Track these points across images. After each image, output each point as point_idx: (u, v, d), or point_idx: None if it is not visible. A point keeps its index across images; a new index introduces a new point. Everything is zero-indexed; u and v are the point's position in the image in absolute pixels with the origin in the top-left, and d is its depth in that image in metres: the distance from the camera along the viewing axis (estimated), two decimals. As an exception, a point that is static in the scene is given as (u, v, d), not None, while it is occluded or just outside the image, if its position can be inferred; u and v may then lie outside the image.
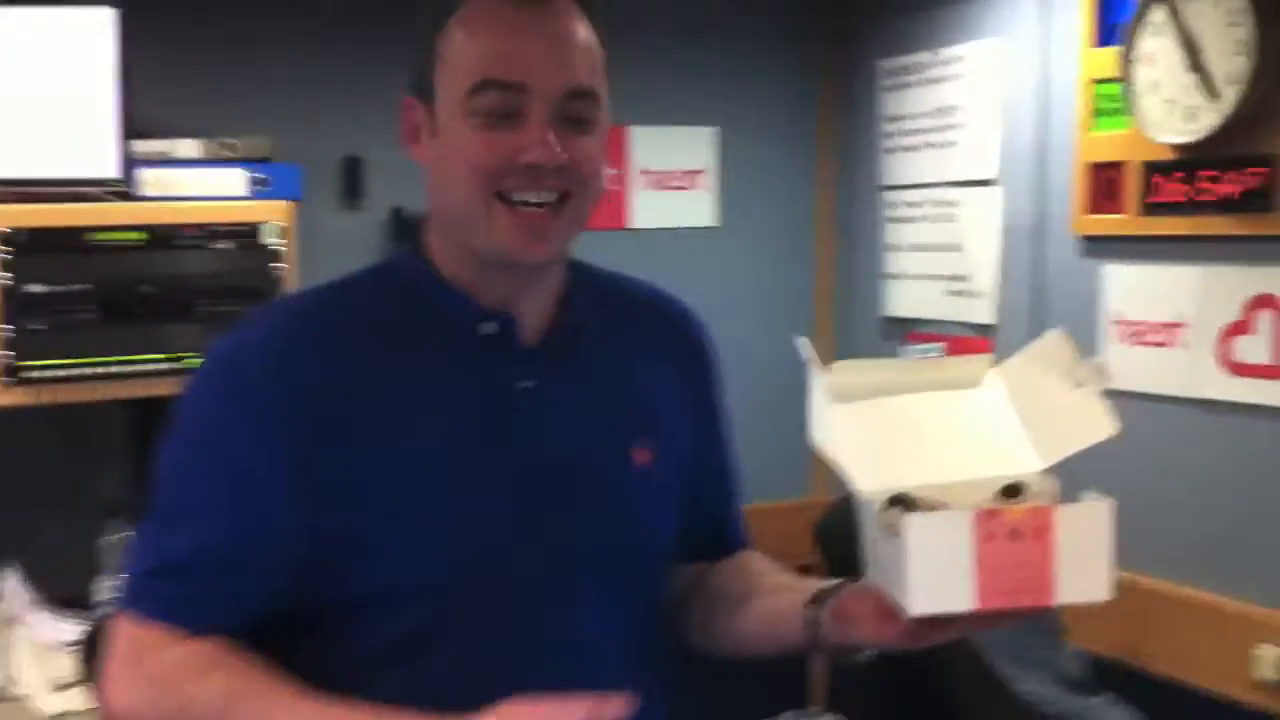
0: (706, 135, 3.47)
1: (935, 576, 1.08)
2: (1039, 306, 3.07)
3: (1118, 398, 2.93)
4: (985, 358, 1.30)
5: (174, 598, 1.25)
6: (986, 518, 1.08)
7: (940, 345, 3.33)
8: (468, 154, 1.24)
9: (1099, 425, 1.21)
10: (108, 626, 1.32)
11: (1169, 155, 2.69)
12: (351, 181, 3.08)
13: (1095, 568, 1.10)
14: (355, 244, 3.02)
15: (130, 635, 1.27)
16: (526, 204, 1.24)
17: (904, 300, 3.48)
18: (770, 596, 1.39)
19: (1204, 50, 2.54)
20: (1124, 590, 1.17)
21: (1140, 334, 2.83)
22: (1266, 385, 2.58)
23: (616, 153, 3.36)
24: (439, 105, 1.27)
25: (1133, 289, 2.84)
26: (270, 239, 2.60)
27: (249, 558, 1.25)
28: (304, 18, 3.02)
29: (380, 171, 3.08)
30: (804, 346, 1.28)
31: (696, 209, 3.45)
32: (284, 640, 1.28)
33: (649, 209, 3.41)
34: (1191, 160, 2.64)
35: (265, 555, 1.25)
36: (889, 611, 1.15)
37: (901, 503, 1.15)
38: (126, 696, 1.26)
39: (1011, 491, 1.20)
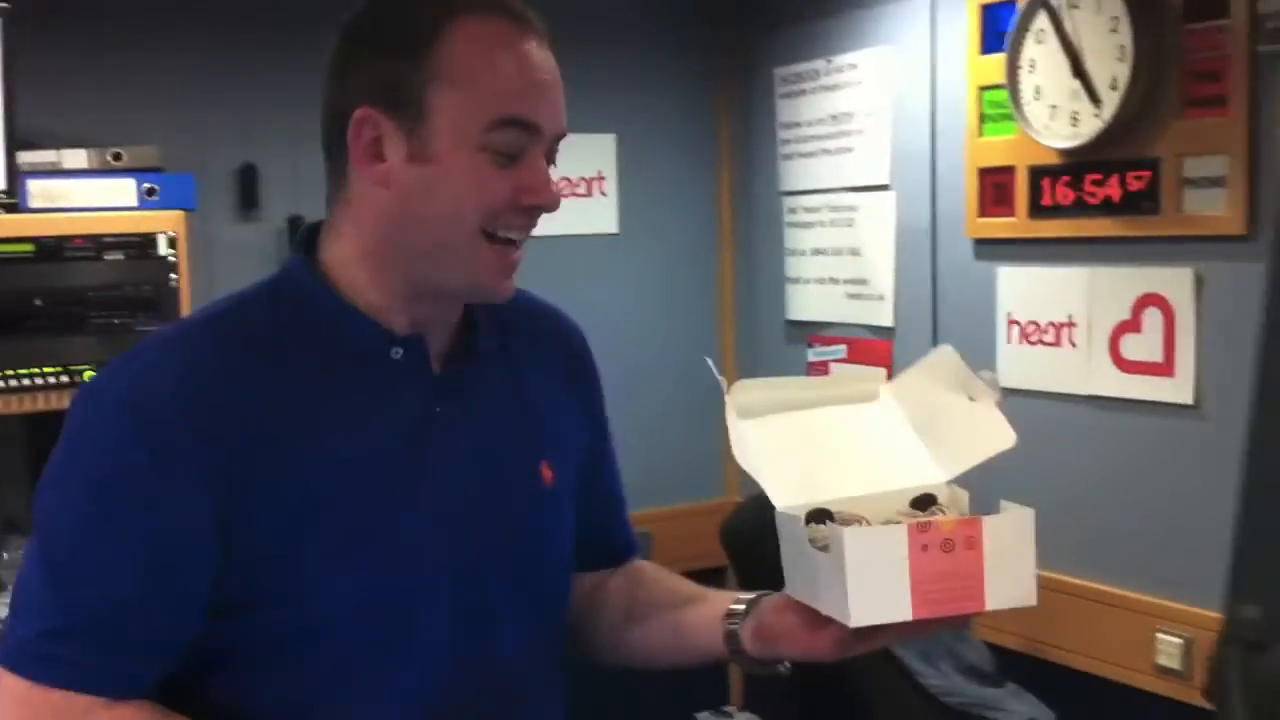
0: (606, 142, 3.48)
1: (873, 588, 1.10)
2: (936, 308, 3.13)
3: (1014, 396, 3.01)
4: (879, 372, 1.38)
5: (84, 663, 1.15)
6: (920, 530, 1.10)
7: (842, 347, 3.38)
8: (477, 191, 1.18)
9: (998, 437, 1.24)
10: None
11: (1055, 160, 2.76)
12: (247, 191, 3.04)
13: (1022, 574, 1.14)
14: (252, 253, 2.99)
15: (35, 702, 1.15)
16: (510, 241, 1.22)
17: (805, 304, 3.52)
18: (679, 610, 1.40)
19: (1086, 57, 2.62)
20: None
21: (1034, 334, 2.90)
22: (1154, 381, 2.66)
23: (516, 160, 3.36)
24: (434, 129, 1.18)
25: (1025, 290, 2.91)
26: (164, 249, 2.56)
27: (166, 610, 1.17)
28: (195, 26, 2.97)
29: (276, 180, 3.04)
30: (711, 366, 1.30)
31: (597, 216, 3.46)
32: (183, 681, 1.21)
33: (549, 216, 3.40)
34: (1077, 164, 2.72)
35: (182, 605, 1.18)
36: (818, 624, 1.17)
37: (820, 517, 1.18)
38: None
39: (923, 502, 1.23)
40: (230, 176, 3.04)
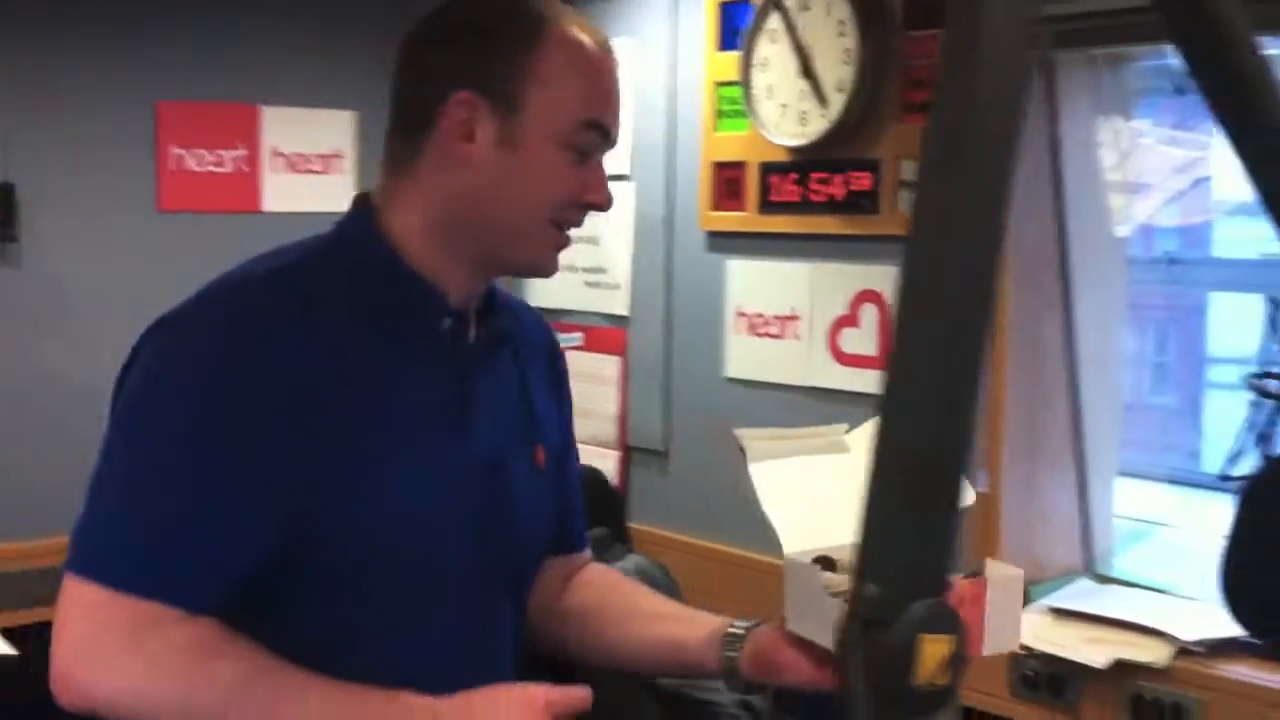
0: (344, 119, 3.40)
1: None
2: (670, 299, 3.19)
3: (740, 386, 3.09)
4: (840, 426, 1.46)
5: (161, 575, 1.20)
6: None
7: (579, 335, 3.40)
8: (556, 181, 1.31)
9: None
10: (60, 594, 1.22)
11: (785, 157, 2.85)
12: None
13: (1012, 624, 1.30)
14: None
15: (113, 609, 1.19)
16: (564, 229, 1.35)
17: (545, 291, 3.51)
18: (666, 624, 1.51)
19: (815, 58, 2.71)
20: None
21: (760, 326, 2.98)
22: (870, 374, 2.78)
23: (247, 133, 3.25)
24: (526, 121, 1.29)
25: (753, 283, 2.99)
26: None
27: (242, 534, 1.23)
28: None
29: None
30: (740, 436, 1.43)
31: (333, 194, 3.37)
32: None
33: (282, 193, 3.32)
34: (804, 162, 2.81)
35: (256, 532, 1.23)
36: (823, 657, 1.31)
37: (824, 564, 1.32)
38: (117, 679, 1.18)
39: None
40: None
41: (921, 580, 0.69)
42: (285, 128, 3.31)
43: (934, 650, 0.68)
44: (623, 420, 3.30)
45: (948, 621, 0.69)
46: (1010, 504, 2.62)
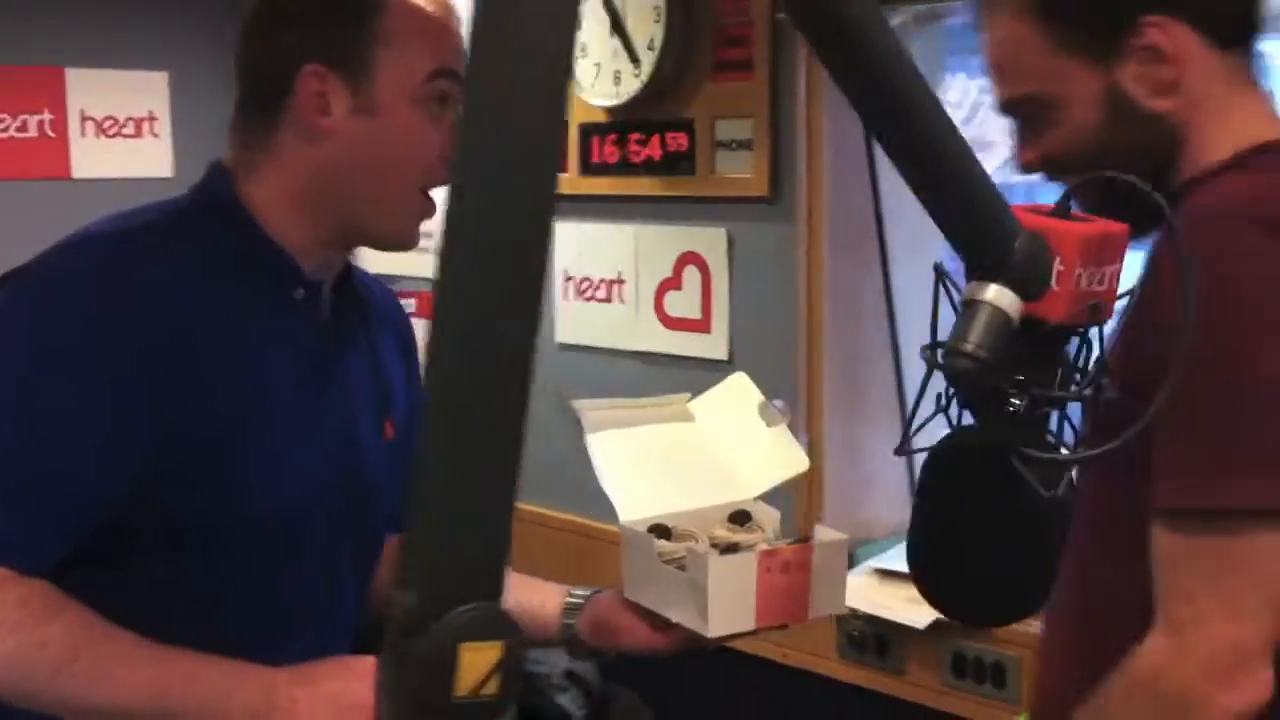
0: (157, 79, 3.26)
1: (729, 605, 1.29)
2: (499, 263, 3.11)
3: (569, 352, 3.03)
4: (683, 396, 1.47)
5: (3, 535, 1.19)
6: (767, 556, 1.30)
7: (413, 301, 3.31)
8: (418, 141, 1.31)
9: (793, 461, 1.43)
10: None
11: (604, 118, 2.78)
12: None
13: (837, 588, 1.34)
14: None
15: None
16: (429, 196, 1.34)
17: (382, 258, 3.42)
18: (512, 591, 1.46)
19: (625, 16, 2.64)
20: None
21: (587, 290, 2.92)
22: (694, 338, 2.73)
23: (53, 96, 3.11)
24: (379, 85, 1.30)
25: (579, 247, 2.93)
26: None
27: (85, 495, 1.22)
28: None
29: None
30: (558, 392, 1.41)
31: (149, 158, 3.24)
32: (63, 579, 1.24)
33: (94, 158, 3.18)
34: (622, 123, 2.74)
35: (100, 492, 1.22)
36: (659, 624, 1.36)
37: (660, 532, 1.36)
38: None
39: (739, 518, 1.40)
40: None
41: (465, 584, 0.63)
42: (94, 90, 3.17)
43: (476, 659, 0.62)
44: (456, 389, 3.23)
45: (495, 627, 0.64)
46: (833, 467, 2.60)
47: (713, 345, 2.69)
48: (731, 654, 2.72)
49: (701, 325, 2.72)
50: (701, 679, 2.80)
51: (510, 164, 0.63)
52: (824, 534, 1.36)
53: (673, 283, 2.76)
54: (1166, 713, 1.07)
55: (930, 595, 1.01)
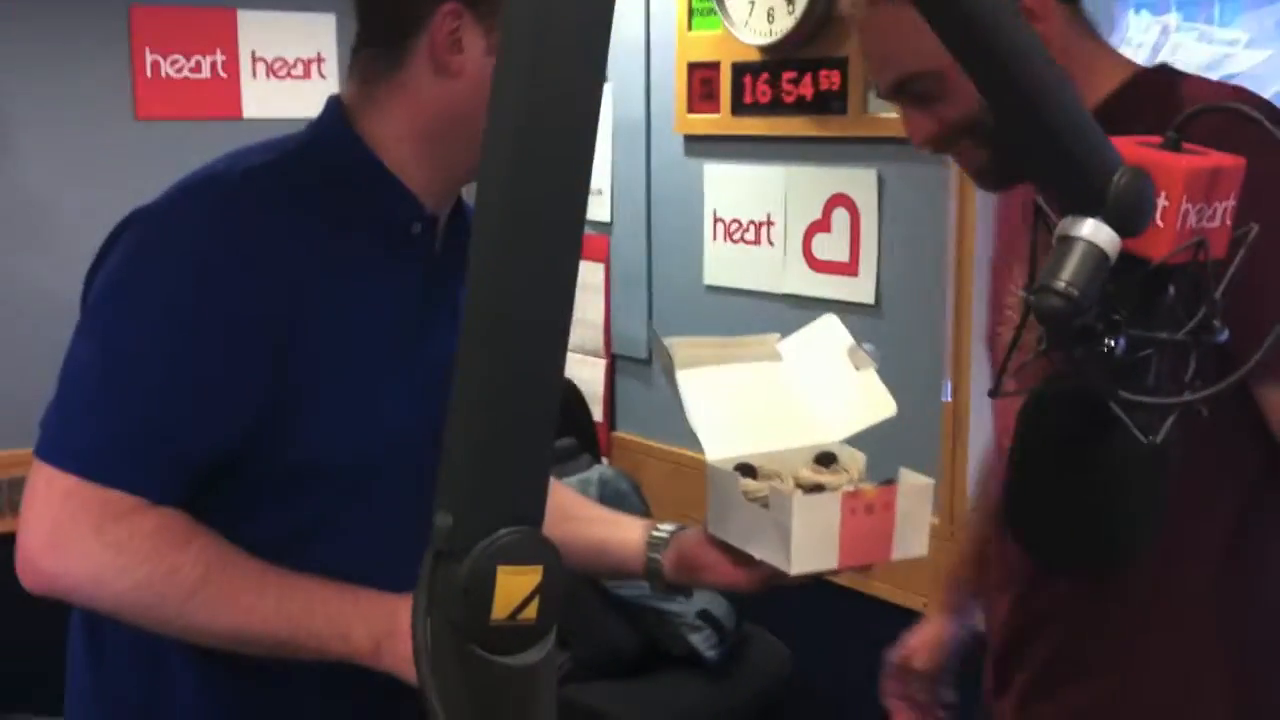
0: (324, 21, 3.34)
1: (811, 544, 1.30)
2: (650, 205, 3.11)
3: (717, 294, 3.02)
4: (773, 336, 1.46)
5: (135, 465, 1.22)
6: (851, 497, 1.31)
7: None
8: None
9: (881, 405, 1.43)
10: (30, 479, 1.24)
11: (757, 57, 2.74)
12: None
13: (920, 531, 1.35)
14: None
15: (82, 497, 1.21)
16: None
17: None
18: (595, 526, 1.54)
19: (779, -48, 2.59)
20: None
21: (736, 232, 2.90)
22: (841, 281, 2.69)
23: (225, 37, 3.21)
24: None
25: (729, 188, 2.90)
26: None
27: (215, 429, 1.24)
28: None
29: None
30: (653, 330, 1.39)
31: (316, 99, 3.31)
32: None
33: (263, 98, 3.28)
34: (776, 62, 2.70)
35: (229, 427, 1.24)
36: (741, 561, 1.36)
37: (746, 471, 1.36)
38: (83, 565, 1.21)
39: (825, 460, 1.41)
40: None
41: (504, 508, 0.63)
42: (264, 31, 3.26)
43: (513, 583, 0.62)
44: (607, 328, 3.25)
45: (534, 552, 0.64)
46: (978, 414, 2.53)
47: (860, 289, 2.65)
48: (869, 600, 2.70)
49: (849, 269, 2.67)
50: (842, 626, 2.78)
51: (547, 100, 0.63)
52: (909, 477, 1.36)
53: (821, 225, 2.72)
54: None
55: (1028, 544, 0.98)
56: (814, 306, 2.73)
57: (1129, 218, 0.82)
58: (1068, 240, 0.83)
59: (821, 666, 2.83)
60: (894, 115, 2.52)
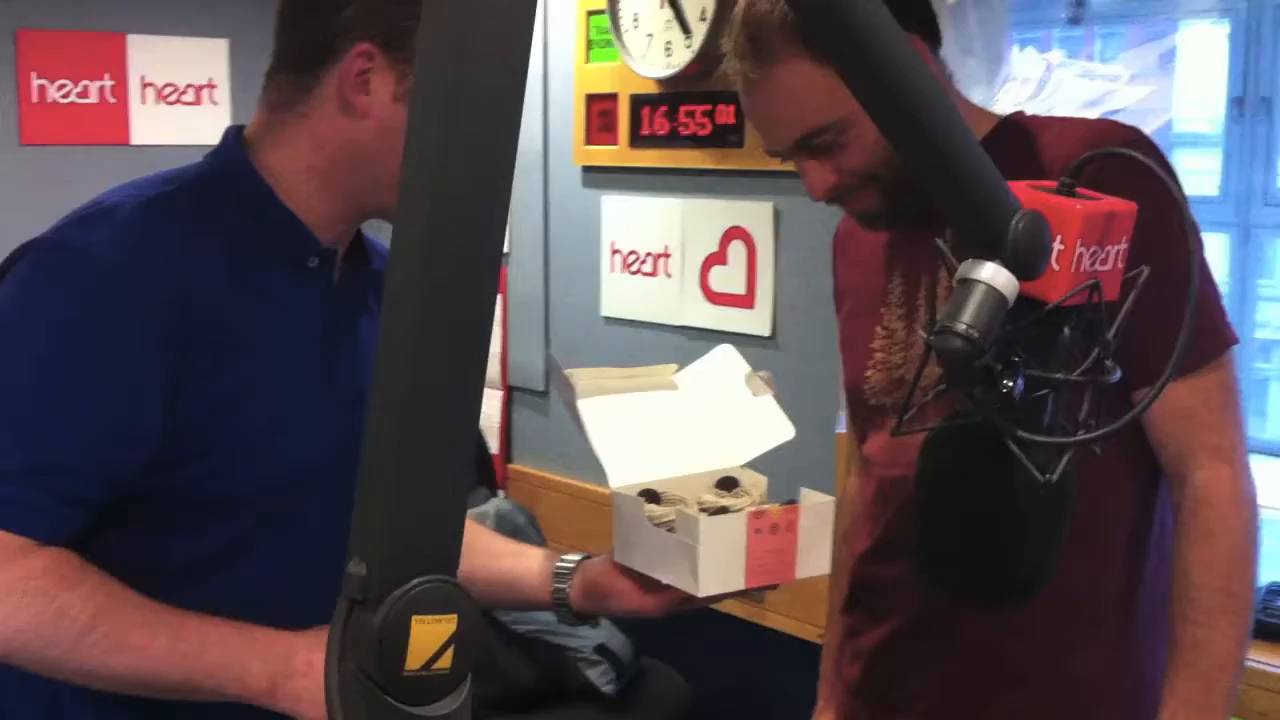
0: (217, 47, 3.30)
1: (719, 565, 1.32)
2: (548, 235, 3.11)
3: (614, 325, 3.02)
4: (671, 366, 1.48)
5: (26, 504, 1.19)
6: (755, 517, 1.33)
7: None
8: None
9: (780, 429, 1.46)
10: None
11: (655, 89, 2.76)
12: None
13: (823, 550, 1.37)
14: None
15: None
16: None
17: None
18: (502, 560, 1.54)
19: (676, -14, 2.62)
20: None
21: (634, 263, 2.91)
22: (738, 313, 2.72)
23: (114, 62, 3.15)
24: None
25: (627, 219, 2.92)
26: None
27: (113, 463, 1.22)
28: None
29: None
30: (553, 357, 1.44)
31: (207, 126, 3.28)
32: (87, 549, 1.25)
33: (153, 124, 3.22)
34: (674, 95, 2.73)
35: (127, 460, 1.23)
36: (650, 585, 1.37)
37: (650, 497, 1.38)
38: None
39: (727, 484, 1.43)
40: None
41: (418, 556, 0.63)
42: (154, 56, 3.21)
43: (427, 633, 0.62)
44: (504, 359, 3.24)
45: (449, 601, 0.63)
46: (874, 445, 2.57)
47: (756, 321, 2.68)
48: (765, 631, 2.72)
49: (746, 301, 2.70)
50: (738, 656, 2.80)
51: (469, 121, 0.63)
52: (811, 496, 1.38)
53: (718, 257, 2.74)
54: (1253, 517, 1.35)
55: (927, 578, 1.00)
56: (711, 338, 2.75)
57: (1028, 261, 0.84)
58: (967, 283, 0.85)
59: (719, 698, 2.84)
60: (790, 149, 2.57)
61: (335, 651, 0.62)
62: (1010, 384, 0.86)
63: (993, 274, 0.84)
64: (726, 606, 2.63)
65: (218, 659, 1.22)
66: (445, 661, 0.63)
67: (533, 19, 0.64)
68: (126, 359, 1.21)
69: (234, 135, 1.36)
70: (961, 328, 0.83)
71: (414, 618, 0.62)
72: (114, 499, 1.24)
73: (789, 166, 2.51)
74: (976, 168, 0.83)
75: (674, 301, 2.83)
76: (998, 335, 0.84)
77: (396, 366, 0.62)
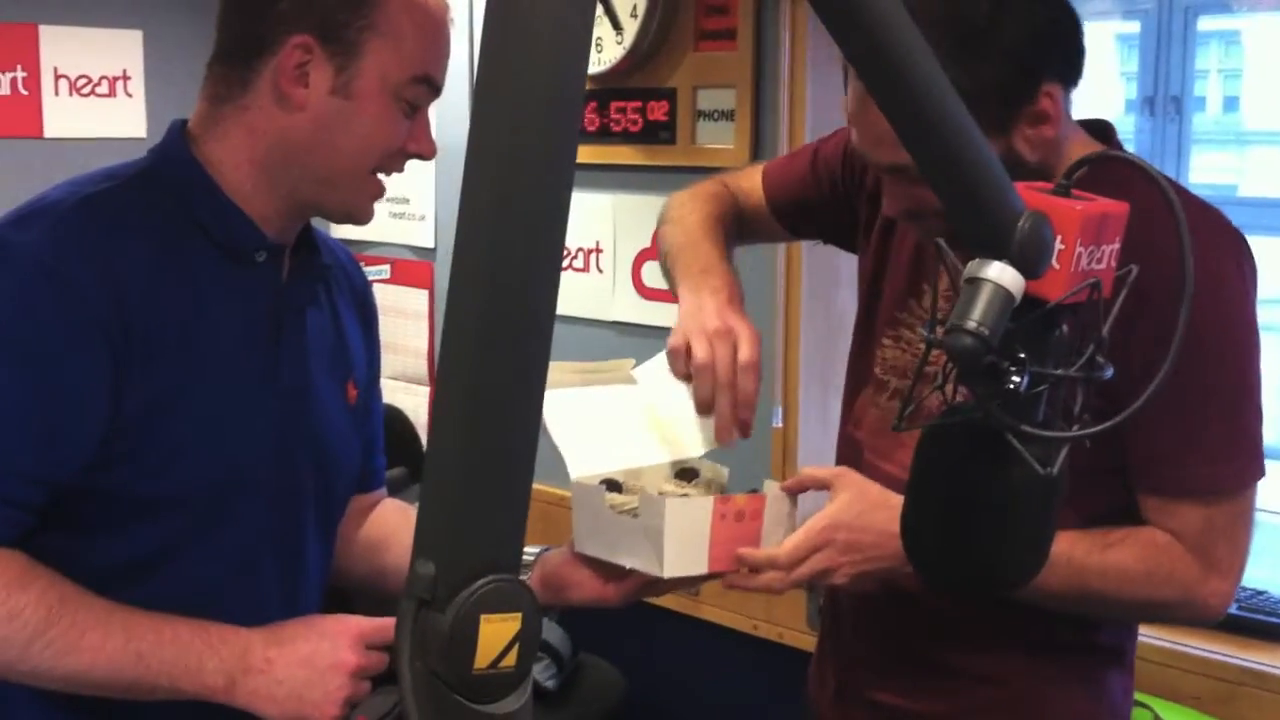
0: (131, 38, 3.21)
1: (683, 548, 1.32)
2: (475, 230, 3.10)
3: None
4: (629, 361, 1.49)
5: None
6: (722, 502, 1.35)
7: (385, 267, 3.30)
8: (385, 133, 1.31)
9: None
10: None
11: (586, 86, 2.76)
12: None
13: (784, 539, 1.38)
14: None
15: None
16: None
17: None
18: None
19: (609, -17, 2.63)
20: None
21: (565, 259, 2.91)
22: (671, 308, 2.71)
23: (27, 53, 3.06)
24: (362, 72, 1.29)
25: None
26: None
27: (56, 462, 1.21)
28: None
29: None
30: None
31: (122, 118, 3.20)
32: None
33: (66, 117, 3.13)
34: (604, 91, 2.73)
35: (70, 459, 1.22)
36: (609, 577, 1.39)
37: (611, 487, 1.39)
38: None
39: (686, 474, 1.45)
40: None
41: (485, 556, 0.64)
42: (68, 47, 3.11)
43: (496, 632, 0.63)
44: (431, 356, 3.22)
45: (514, 600, 0.64)
46: (807, 437, 2.61)
47: (690, 316, 2.69)
48: (703, 625, 2.75)
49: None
50: (674, 650, 2.82)
51: (529, 122, 0.63)
52: (774, 487, 1.40)
53: (650, 253, 2.75)
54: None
55: (923, 568, 1.02)
56: (643, 334, 2.77)
57: (1033, 260, 0.87)
58: (976, 282, 0.87)
59: (655, 691, 2.86)
60: (721, 146, 2.60)
61: (405, 651, 0.63)
62: (1016, 380, 0.88)
63: (1000, 273, 0.87)
64: (663, 600, 2.65)
65: (173, 657, 1.22)
66: (511, 660, 0.64)
67: (592, 19, 0.65)
68: (61, 359, 1.20)
69: (178, 129, 1.35)
70: (972, 325, 0.85)
71: (483, 617, 0.62)
72: (55, 502, 1.23)
73: (721, 163, 2.57)
74: (985, 168, 0.86)
75: (605, 297, 2.84)
76: (1003, 333, 0.87)
77: (461, 371, 0.63)
